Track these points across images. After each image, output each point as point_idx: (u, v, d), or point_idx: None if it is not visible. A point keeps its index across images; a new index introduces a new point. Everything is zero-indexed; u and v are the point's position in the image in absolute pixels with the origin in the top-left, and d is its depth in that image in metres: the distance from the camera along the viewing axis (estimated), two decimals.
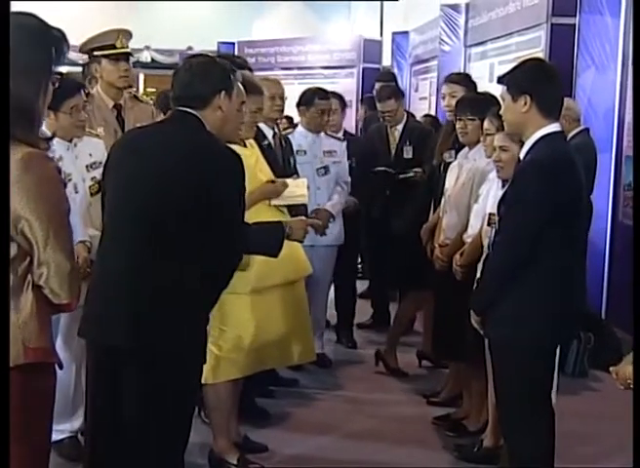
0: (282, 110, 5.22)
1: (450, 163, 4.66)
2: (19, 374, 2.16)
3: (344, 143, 5.80)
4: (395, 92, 6.12)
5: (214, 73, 3.03)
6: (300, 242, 3.67)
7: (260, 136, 4.54)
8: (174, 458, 2.91)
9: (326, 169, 5.55)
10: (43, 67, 2.24)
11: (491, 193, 3.89)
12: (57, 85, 2.32)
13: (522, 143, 3.32)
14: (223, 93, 3.00)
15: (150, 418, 2.80)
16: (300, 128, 5.65)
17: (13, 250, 2.16)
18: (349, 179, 5.74)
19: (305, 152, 5.47)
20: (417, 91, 10.31)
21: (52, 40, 2.27)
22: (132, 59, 4.95)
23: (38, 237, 2.14)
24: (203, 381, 3.71)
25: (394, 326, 5.67)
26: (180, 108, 3.00)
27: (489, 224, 3.70)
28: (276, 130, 5.05)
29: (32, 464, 2.27)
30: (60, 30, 2.30)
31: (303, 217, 3.79)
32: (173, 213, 2.79)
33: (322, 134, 5.65)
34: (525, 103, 3.18)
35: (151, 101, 5.44)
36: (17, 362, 2.15)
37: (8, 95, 2.12)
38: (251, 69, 4.76)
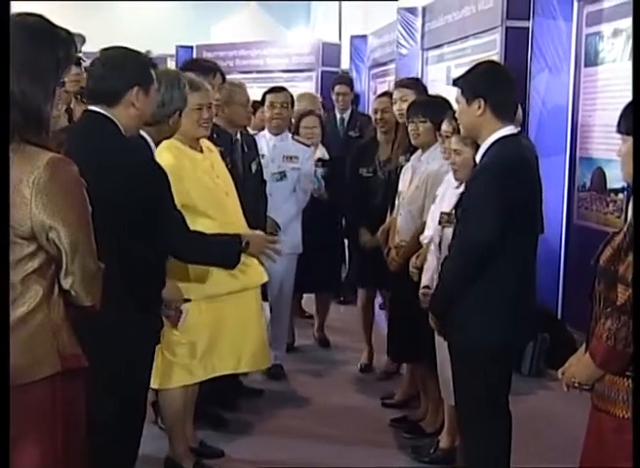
0: (250, 118, 5.19)
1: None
2: (58, 382, 2.10)
3: (311, 150, 5.57)
4: None
5: (127, 66, 2.86)
6: (256, 257, 3.67)
7: (222, 140, 4.43)
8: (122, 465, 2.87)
9: (282, 174, 5.38)
10: (50, 70, 2.12)
11: (447, 194, 3.90)
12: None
13: (477, 146, 3.34)
14: (137, 88, 2.83)
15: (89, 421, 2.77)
16: (264, 131, 5.55)
17: (40, 258, 2.09)
18: (310, 187, 5.58)
19: (264, 156, 5.34)
20: (375, 94, 10.32)
21: (59, 42, 2.16)
22: (87, 63, 4.89)
23: (66, 244, 2.08)
24: (157, 387, 3.71)
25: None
26: (91, 108, 2.86)
27: (440, 223, 3.72)
28: (238, 136, 4.85)
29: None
30: (68, 31, 2.19)
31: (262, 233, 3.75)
32: None
33: (289, 138, 5.50)
34: (479, 107, 3.18)
35: None
36: (54, 369, 2.10)
37: (8, 95, 2.03)
38: (222, 73, 4.56)
